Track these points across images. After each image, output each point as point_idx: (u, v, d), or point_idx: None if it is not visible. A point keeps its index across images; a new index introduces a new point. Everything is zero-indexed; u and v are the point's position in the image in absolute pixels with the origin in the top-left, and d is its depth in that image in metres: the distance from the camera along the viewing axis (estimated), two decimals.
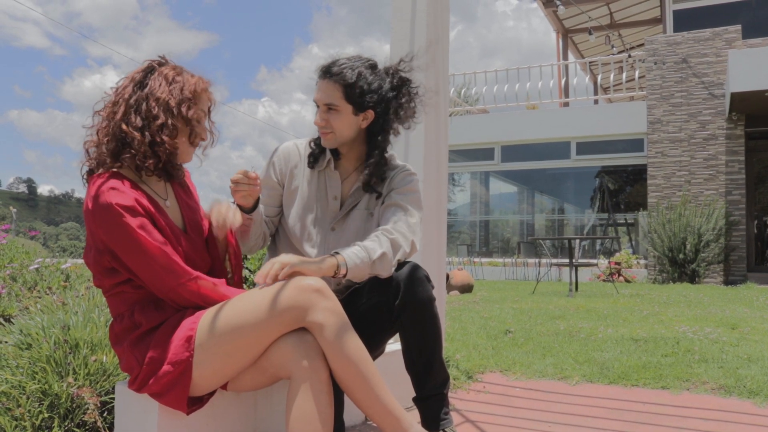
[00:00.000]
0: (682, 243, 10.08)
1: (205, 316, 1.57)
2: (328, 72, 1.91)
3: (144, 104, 1.61)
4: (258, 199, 1.92)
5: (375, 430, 2.19)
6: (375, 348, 1.89)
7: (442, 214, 2.72)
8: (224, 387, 1.65)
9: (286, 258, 1.63)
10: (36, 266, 3.22)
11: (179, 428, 1.62)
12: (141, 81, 1.64)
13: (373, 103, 1.91)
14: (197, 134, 1.70)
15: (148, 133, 1.59)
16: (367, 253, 1.75)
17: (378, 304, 1.83)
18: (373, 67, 1.95)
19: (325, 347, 1.54)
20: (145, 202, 1.59)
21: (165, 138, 1.60)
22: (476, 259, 12.51)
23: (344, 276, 1.70)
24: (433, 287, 1.86)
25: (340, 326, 1.54)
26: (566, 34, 15.91)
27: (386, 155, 2.01)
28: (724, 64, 10.52)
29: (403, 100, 1.99)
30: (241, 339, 1.53)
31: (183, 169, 1.83)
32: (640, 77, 12.83)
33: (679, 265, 10.14)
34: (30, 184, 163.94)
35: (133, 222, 1.52)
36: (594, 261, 10.49)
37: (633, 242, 12.39)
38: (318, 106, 1.95)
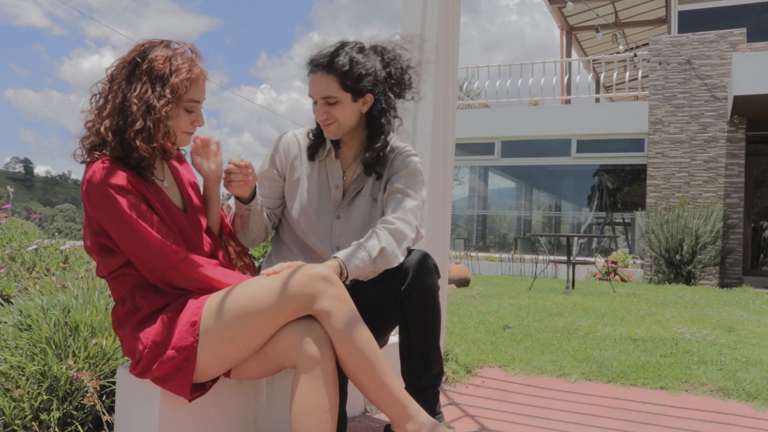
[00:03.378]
0: (680, 244, 10.09)
1: (211, 301, 1.56)
2: (318, 64, 1.86)
3: (126, 103, 1.55)
4: (255, 189, 1.89)
5: (375, 421, 2.19)
6: (379, 337, 1.87)
7: (447, 209, 2.71)
8: (227, 374, 1.63)
9: (289, 263, 1.61)
10: (35, 247, 3.19)
11: (180, 414, 1.61)
12: (127, 76, 1.58)
13: (370, 86, 1.88)
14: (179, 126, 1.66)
15: (125, 137, 1.54)
16: (367, 251, 1.73)
17: (383, 291, 1.81)
18: (362, 49, 1.91)
19: (332, 335, 1.52)
20: (138, 182, 1.57)
21: (138, 143, 1.54)
22: (473, 254, 12.51)
23: (347, 278, 1.68)
24: (439, 277, 1.85)
25: (348, 314, 1.53)
26: (570, 31, 15.85)
27: (387, 137, 1.98)
28: (727, 67, 10.51)
29: (397, 74, 1.96)
30: (246, 325, 1.52)
31: (176, 149, 1.81)
32: (642, 77, 12.80)
33: (676, 266, 10.16)
34: (27, 164, 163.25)
35: (124, 202, 1.51)
36: (591, 259, 10.49)
37: (630, 242, 12.41)
38: (315, 101, 1.90)
